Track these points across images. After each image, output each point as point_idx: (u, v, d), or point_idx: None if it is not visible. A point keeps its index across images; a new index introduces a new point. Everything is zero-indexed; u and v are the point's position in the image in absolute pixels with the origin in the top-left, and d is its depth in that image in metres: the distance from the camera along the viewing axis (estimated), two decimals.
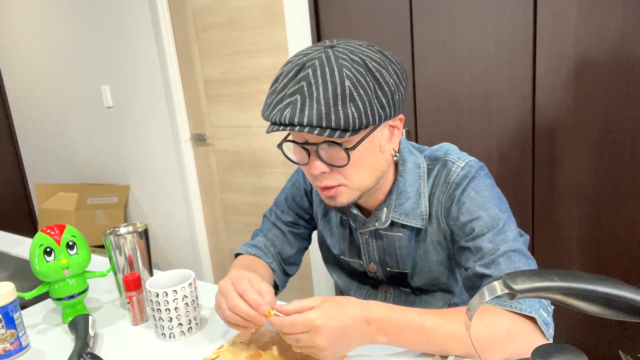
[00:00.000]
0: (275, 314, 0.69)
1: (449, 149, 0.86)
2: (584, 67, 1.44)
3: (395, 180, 0.85)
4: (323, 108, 0.68)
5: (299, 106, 0.69)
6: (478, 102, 1.63)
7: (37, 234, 0.91)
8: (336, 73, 0.69)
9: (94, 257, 1.21)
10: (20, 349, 0.85)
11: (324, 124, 0.68)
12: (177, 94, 2.56)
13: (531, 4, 1.47)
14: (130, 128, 2.86)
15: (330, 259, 1.04)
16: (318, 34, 1.94)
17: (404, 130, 1.64)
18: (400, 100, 0.76)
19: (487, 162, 1.62)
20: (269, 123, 0.73)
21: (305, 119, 0.68)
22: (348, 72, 0.69)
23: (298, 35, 2.02)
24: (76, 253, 0.91)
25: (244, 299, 0.72)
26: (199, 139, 2.61)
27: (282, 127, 0.71)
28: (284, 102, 0.71)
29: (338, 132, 0.69)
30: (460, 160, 0.82)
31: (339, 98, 0.68)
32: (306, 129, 0.69)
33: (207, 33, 2.38)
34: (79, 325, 0.84)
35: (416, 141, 1.79)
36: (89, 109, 3.03)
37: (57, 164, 3.44)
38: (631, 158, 1.43)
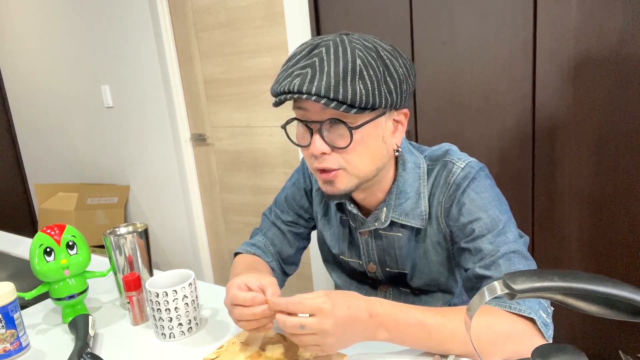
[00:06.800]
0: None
1: (449, 150, 0.86)
2: (584, 67, 1.44)
3: (395, 179, 0.85)
4: (332, 80, 0.69)
5: (308, 77, 0.70)
6: (478, 102, 1.63)
7: (37, 234, 0.91)
8: (349, 52, 0.71)
9: (94, 257, 1.21)
10: (20, 349, 0.85)
11: (331, 96, 0.69)
12: (177, 94, 2.56)
13: (531, 4, 1.47)
14: (130, 128, 2.86)
15: (330, 259, 1.04)
16: (318, 34, 1.94)
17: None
18: (407, 91, 0.77)
19: (487, 163, 1.62)
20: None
21: (314, 89, 0.69)
22: (360, 54, 0.71)
23: (298, 35, 2.02)
24: (76, 253, 0.91)
25: (238, 304, 0.73)
26: (199, 139, 2.61)
27: (289, 96, 0.72)
28: (294, 74, 0.72)
29: (344, 107, 0.70)
30: (460, 161, 0.82)
31: (349, 74, 0.70)
32: (313, 98, 0.70)
33: (207, 33, 2.38)
34: (79, 325, 0.84)
35: (416, 141, 1.79)
36: (89, 109, 3.03)
37: (57, 164, 3.44)
38: (631, 158, 1.43)
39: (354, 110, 0.71)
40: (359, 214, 0.88)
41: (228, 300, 0.75)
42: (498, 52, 1.56)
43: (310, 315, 0.65)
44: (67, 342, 0.88)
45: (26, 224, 3.75)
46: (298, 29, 2.01)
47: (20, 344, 0.85)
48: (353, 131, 0.73)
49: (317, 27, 1.91)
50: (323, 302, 0.65)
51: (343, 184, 0.78)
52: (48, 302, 1.05)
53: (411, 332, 0.69)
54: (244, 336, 0.82)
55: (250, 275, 0.77)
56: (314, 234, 1.07)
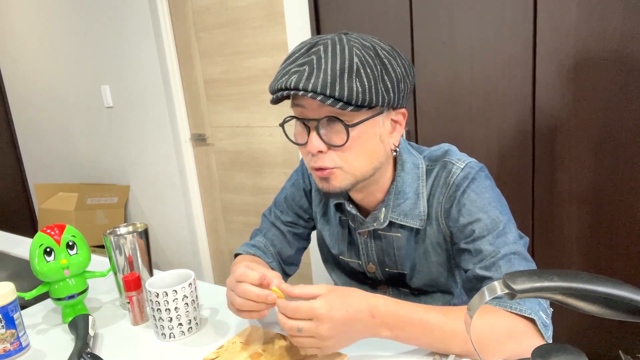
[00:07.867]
0: (282, 288, 0.70)
1: (448, 150, 0.86)
2: (584, 67, 1.44)
3: (393, 180, 0.85)
4: (329, 77, 0.70)
5: (305, 74, 0.71)
6: (478, 102, 1.63)
7: (37, 234, 0.91)
8: (346, 50, 0.71)
9: (94, 257, 1.21)
10: (20, 349, 0.85)
11: (328, 92, 0.69)
12: (177, 94, 2.56)
13: (531, 4, 1.47)
14: (130, 128, 2.86)
15: (329, 259, 1.04)
16: (318, 34, 1.94)
17: (404, 131, 1.64)
18: (405, 91, 0.77)
19: (487, 163, 1.62)
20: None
21: (311, 85, 0.70)
22: (358, 52, 0.71)
23: (298, 35, 2.02)
24: (76, 253, 0.91)
25: (244, 281, 0.73)
26: (199, 139, 2.61)
27: (286, 92, 0.72)
28: (292, 72, 0.72)
29: (341, 104, 0.70)
30: (460, 161, 0.82)
31: (346, 71, 0.70)
32: (309, 95, 0.70)
33: (207, 33, 2.38)
34: (79, 325, 0.84)
35: (416, 141, 1.79)
36: (89, 109, 3.03)
37: (57, 164, 3.44)
38: (631, 158, 1.43)
39: (350, 108, 0.71)
40: (358, 214, 0.88)
41: (234, 279, 0.75)
42: (498, 52, 1.56)
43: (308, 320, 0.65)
44: (67, 342, 0.88)
45: (26, 224, 3.75)
46: (298, 29, 2.01)
47: (20, 344, 0.85)
48: (350, 129, 0.73)
49: (317, 27, 1.91)
50: (319, 307, 0.65)
51: (338, 181, 0.78)
52: (48, 302, 1.05)
53: (413, 330, 0.69)
54: (244, 336, 0.82)
55: (256, 265, 0.78)
56: (313, 234, 1.07)
